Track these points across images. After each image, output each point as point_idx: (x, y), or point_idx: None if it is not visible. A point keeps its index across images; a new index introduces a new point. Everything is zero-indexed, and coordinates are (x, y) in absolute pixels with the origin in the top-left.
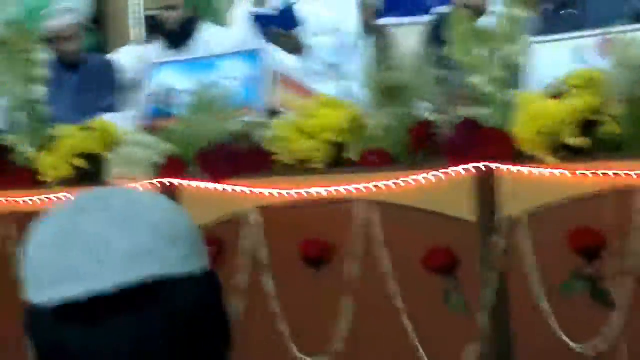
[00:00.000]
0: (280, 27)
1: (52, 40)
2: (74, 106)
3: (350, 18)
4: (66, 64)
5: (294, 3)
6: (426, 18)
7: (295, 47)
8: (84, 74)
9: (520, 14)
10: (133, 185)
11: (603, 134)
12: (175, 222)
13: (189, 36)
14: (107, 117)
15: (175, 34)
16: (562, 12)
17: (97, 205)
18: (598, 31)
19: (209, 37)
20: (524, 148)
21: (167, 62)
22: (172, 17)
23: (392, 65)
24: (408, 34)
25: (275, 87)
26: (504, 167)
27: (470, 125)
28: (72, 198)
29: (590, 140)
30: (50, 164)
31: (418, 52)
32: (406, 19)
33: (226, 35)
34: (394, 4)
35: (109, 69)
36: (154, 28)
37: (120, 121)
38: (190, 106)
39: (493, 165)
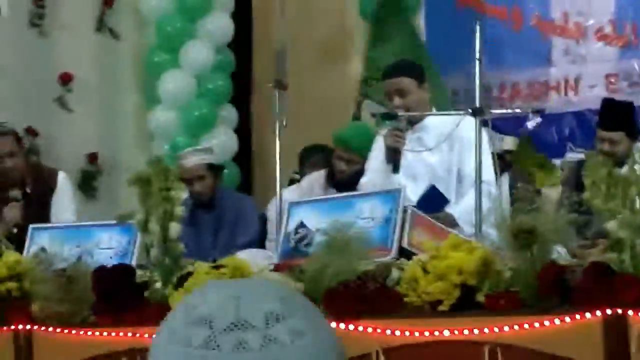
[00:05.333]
0: (427, 211)
1: (183, 180)
2: (209, 244)
3: (486, 167)
4: (200, 204)
5: (433, 187)
6: (567, 160)
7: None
8: (219, 213)
9: None
10: None
11: None
12: None
13: (354, 184)
14: (243, 255)
15: (344, 184)
16: None
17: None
18: None
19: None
20: None
21: (305, 202)
22: (345, 172)
23: (527, 208)
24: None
25: (409, 228)
26: (637, 314)
27: (601, 270)
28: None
29: None
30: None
31: (557, 195)
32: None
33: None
34: (534, 148)
35: (246, 207)
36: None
37: (256, 259)
38: (323, 245)
39: (625, 312)
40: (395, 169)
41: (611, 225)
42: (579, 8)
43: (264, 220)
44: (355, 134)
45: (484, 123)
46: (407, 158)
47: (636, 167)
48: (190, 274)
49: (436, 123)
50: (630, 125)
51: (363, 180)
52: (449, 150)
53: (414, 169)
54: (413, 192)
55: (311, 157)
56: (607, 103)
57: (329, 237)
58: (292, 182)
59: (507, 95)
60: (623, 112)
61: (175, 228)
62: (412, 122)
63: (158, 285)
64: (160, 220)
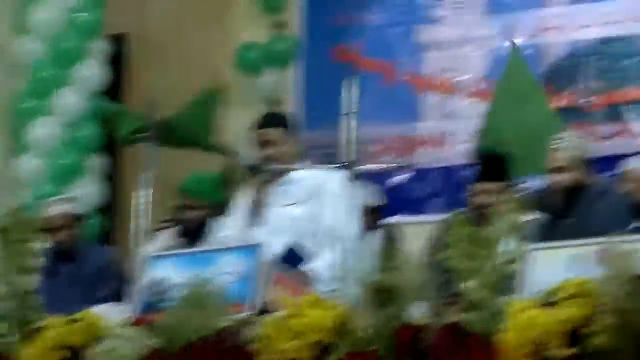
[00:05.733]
0: (286, 266)
1: (46, 229)
2: (67, 297)
3: (351, 222)
4: (61, 254)
5: (296, 242)
6: (437, 217)
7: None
8: (79, 265)
9: (517, 221)
10: None
11: (592, 346)
12: None
13: (205, 233)
14: (98, 309)
15: (192, 231)
16: (561, 221)
17: None
18: (595, 240)
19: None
20: (509, 357)
21: (165, 255)
22: (191, 217)
23: (387, 265)
24: (418, 232)
25: (269, 284)
26: None
27: (456, 330)
28: None
29: (579, 351)
30: (31, 355)
31: (421, 253)
32: (418, 218)
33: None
34: (402, 203)
35: (107, 260)
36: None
37: (113, 313)
38: (181, 300)
39: None
40: (258, 222)
41: (469, 284)
42: (451, 64)
43: (125, 273)
44: (193, 180)
45: (355, 177)
46: (271, 211)
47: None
48: (42, 327)
49: (303, 176)
50: (507, 177)
51: (224, 233)
52: (314, 204)
53: (277, 223)
54: (276, 246)
55: None
56: (485, 155)
57: (188, 291)
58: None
59: (378, 149)
60: (500, 164)
61: (30, 280)
62: (279, 174)
63: (9, 338)
64: (16, 271)
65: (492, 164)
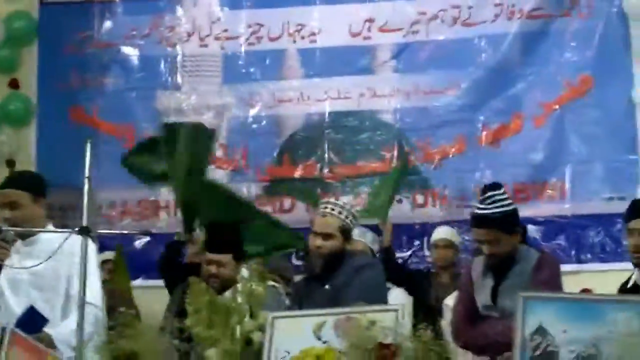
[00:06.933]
0: (26, 330)
1: None
2: None
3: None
4: None
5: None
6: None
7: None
8: None
9: (257, 290)
10: None
11: None
12: None
13: None
14: None
15: None
16: (320, 285)
17: None
18: (337, 310)
19: None
20: None
21: None
22: None
23: (128, 332)
24: (159, 297)
25: (7, 348)
26: None
27: None
28: None
29: None
30: None
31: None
32: (158, 282)
33: None
34: (142, 268)
35: None
36: None
37: None
38: None
39: None
40: None
41: (210, 353)
42: None
43: None
44: None
45: (93, 240)
46: (11, 273)
47: (238, 295)
48: None
49: (49, 238)
50: (237, 248)
51: None
52: (54, 268)
53: (18, 284)
54: (16, 309)
55: None
56: (213, 226)
57: None
58: None
59: (117, 213)
60: (229, 234)
61: None
62: (24, 236)
63: None
64: None
65: (222, 235)
